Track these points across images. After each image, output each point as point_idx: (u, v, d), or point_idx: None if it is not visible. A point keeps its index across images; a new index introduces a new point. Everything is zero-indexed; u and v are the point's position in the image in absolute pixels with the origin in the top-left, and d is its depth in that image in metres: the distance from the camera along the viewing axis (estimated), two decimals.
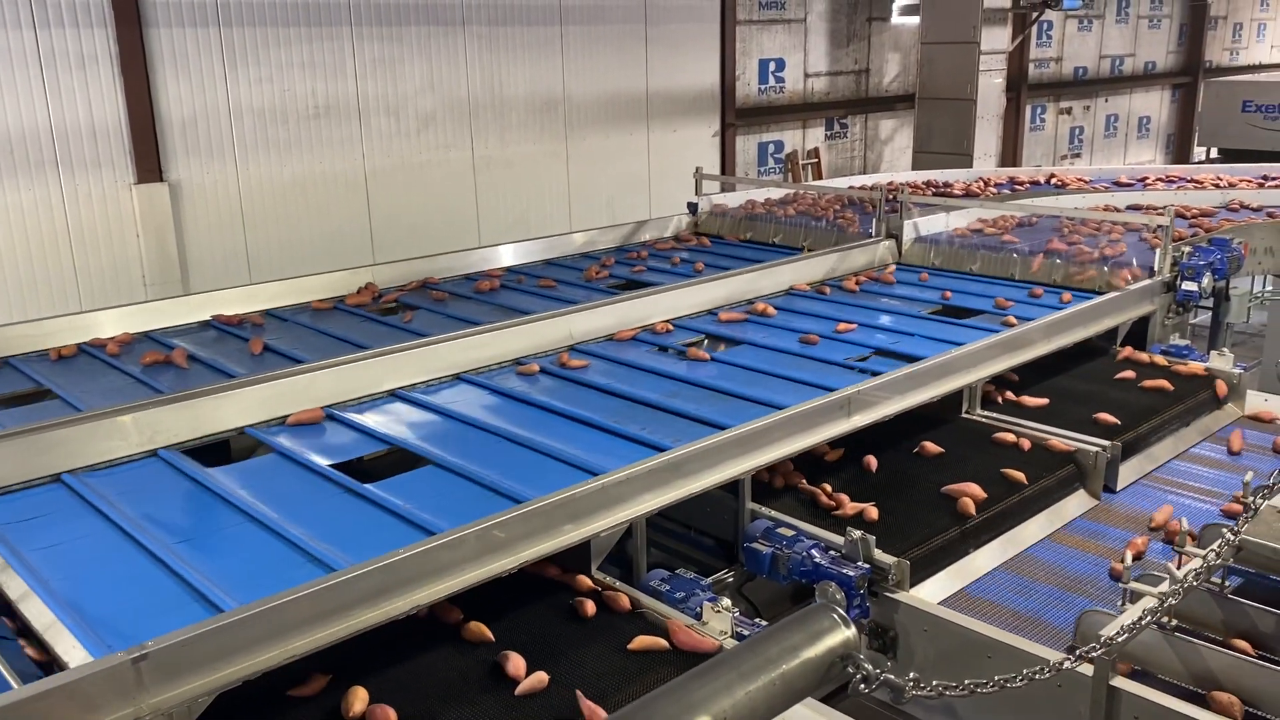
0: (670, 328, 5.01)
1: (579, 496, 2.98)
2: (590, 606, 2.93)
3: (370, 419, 3.93)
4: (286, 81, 9.13)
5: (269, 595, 2.41)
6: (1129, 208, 7.48)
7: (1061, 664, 2.45)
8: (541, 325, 4.76)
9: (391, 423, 3.90)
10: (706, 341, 4.93)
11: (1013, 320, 4.97)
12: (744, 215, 7.31)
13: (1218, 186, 8.30)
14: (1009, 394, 4.66)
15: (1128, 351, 5.14)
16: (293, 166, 9.30)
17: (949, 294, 5.59)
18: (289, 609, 2.40)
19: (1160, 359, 5.07)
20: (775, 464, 3.74)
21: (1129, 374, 4.89)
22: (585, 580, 3.06)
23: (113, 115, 8.26)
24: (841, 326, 4.94)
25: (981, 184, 8.67)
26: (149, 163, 8.43)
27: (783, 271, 5.86)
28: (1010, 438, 4.16)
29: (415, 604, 2.65)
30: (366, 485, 3.28)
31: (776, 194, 7.73)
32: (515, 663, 2.66)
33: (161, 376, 4.30)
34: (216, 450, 3.78)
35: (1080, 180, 8.88)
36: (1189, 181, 8.61)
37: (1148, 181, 8.71)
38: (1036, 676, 2.38)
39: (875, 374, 4.08)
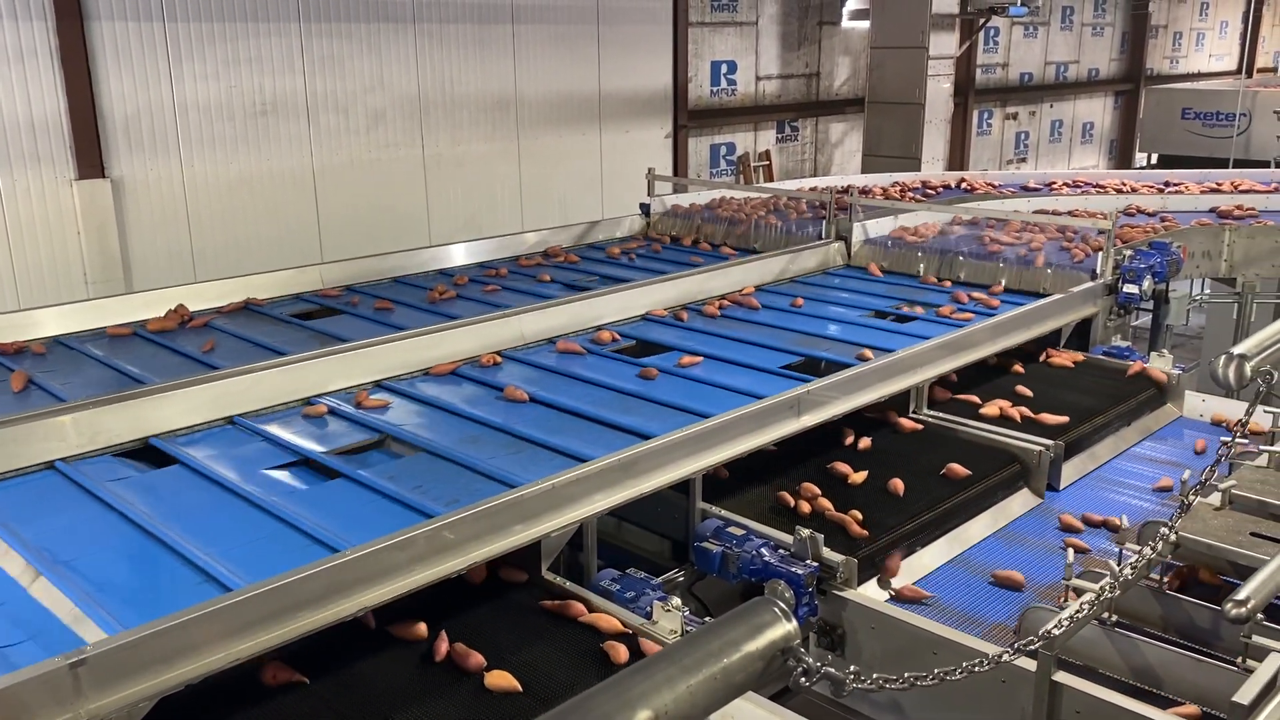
0: (498, 360, 4.49)
1: (529, 497, 2.97)
2: (623, 652, 2.71)
3: None
4: (233, 78, 8.99)
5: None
6: (1035, 212, 7.62)
7: (1000, 657, 2.49)
8: (488, 327, 4.72)
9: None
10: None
11: (868, 354, 4.48)
12: (684, 216, 7.32)
13: (1120, 191, 8.55)
14: (1025, 410, 4.48)
15: (1138, 366, 5.06)
16: (239, 164, 9.16)
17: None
18: (231, 613, 2.36)
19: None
20: (801, 489, 3.68)
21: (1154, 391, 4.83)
22: (613, 621, 2.85)
23: (53, 110, 8.08)
24: (685, 360, 4.45)
25: (898, 189, 8.85)
26: (90, 158, 8.26)
27: (733, 272, 5.89)
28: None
29: (363, 606, 2.62)
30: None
31: (702, 199, 7.68)
32: None
33: None
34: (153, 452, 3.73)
35: (989, 185, 9.12)
36: (1093, 186, 8.85)
37: (1054, 186, 8.95)
38: (976, 669, 2.42)
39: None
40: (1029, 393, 4.71)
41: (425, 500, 3.10)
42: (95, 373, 4.29)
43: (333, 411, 3.91)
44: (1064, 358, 5.21)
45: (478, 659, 2.67)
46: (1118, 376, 5.02)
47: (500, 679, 2.60)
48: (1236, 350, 1.76)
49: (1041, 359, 5.22)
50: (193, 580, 2.69)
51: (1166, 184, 8.88)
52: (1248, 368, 1.77)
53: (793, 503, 3.67)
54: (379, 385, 4.20)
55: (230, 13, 8.88)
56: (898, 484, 3.81)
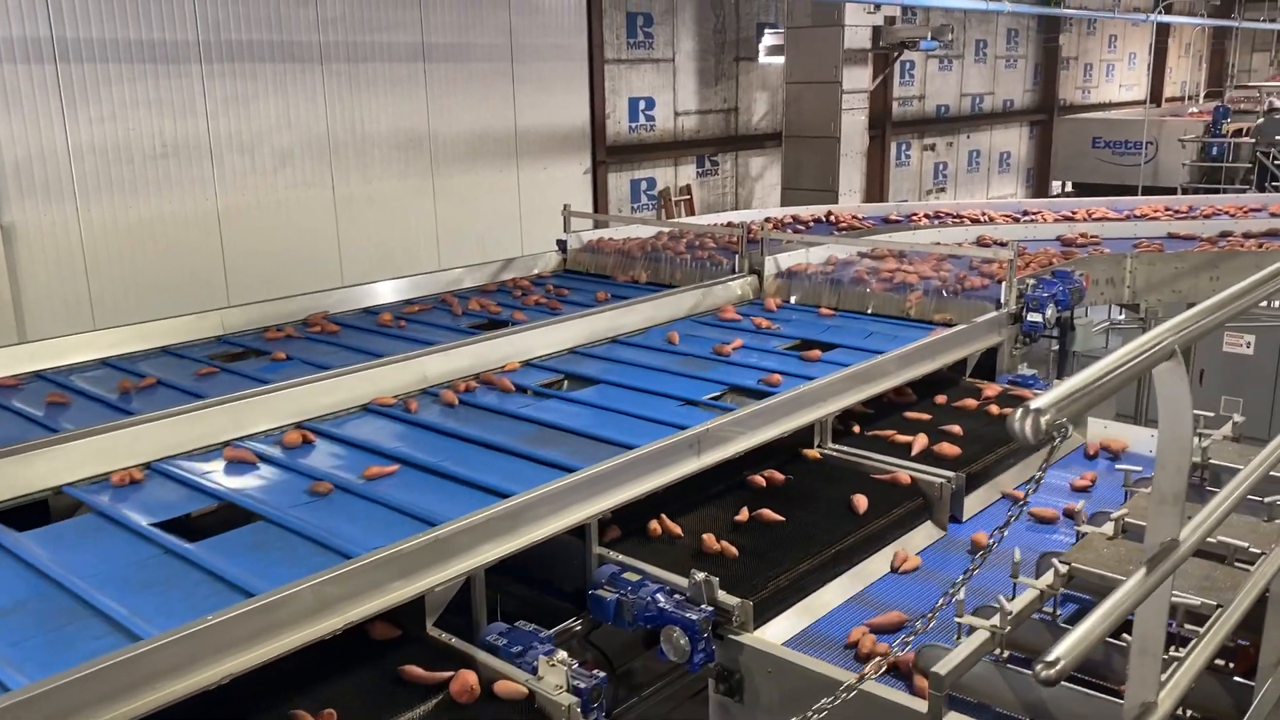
0: (139, 476, 3.66)
1: (409, 551, 2.86)
2: None
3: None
4: (131, 120, 8.77)
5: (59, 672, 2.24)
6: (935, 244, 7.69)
7: (858, 683, 2.43)
8: (391, 369, 4.61)
9: None
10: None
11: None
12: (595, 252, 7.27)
13: (976, 222, 8.76)
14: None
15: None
16: (139, 208, 8.92)
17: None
18: (74, 689, 2.23)
19: None
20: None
21: None
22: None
23: None
24: (372, 471, 3.65)
25: (772, 225, 8.89)
26: None
27: (644, 309, 5.85)
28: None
29: (227, 673, 2.50)
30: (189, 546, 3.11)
31: (620, 235, 7.59)
32: None
33: None
34: (35, 512, 3.55)
35: (854, 218, 9.21)
36: (951, 217, 9.04)
37: (914, 218, 9.14)
38: (842, 698, 2.36)
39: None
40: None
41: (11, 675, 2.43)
42: None
43: None
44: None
45: None
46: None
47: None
48: (1034, 404, 1.76)
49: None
50: None
51: (1024, 213, 9.16)
52: (1043, 421, 1.76)
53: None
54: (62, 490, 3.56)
55: (126, 54, 8.66)
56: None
